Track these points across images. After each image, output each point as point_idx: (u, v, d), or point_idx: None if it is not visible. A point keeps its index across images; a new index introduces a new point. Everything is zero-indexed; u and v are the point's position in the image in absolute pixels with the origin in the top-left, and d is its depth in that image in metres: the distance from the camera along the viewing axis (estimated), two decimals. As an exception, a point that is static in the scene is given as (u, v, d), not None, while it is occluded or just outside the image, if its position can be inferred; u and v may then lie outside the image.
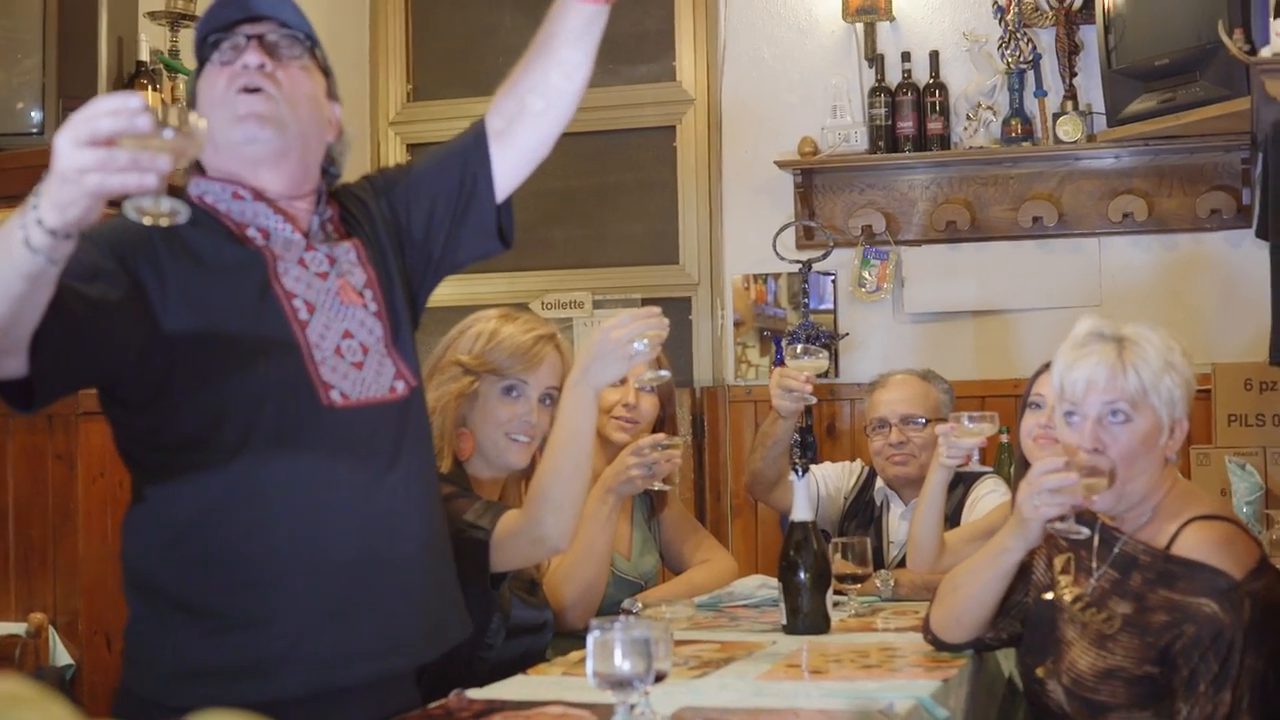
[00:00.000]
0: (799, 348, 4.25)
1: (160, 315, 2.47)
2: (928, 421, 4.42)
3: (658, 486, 3.76)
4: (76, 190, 1.95)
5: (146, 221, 2.01)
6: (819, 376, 4.33)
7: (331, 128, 2.75)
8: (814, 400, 4.26)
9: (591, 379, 3.02)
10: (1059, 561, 3.14)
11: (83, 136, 1.92)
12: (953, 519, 4.33)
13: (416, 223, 2.82)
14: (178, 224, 2.02)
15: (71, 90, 4.57)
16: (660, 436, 3.70)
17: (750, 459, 4.57)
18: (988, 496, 4.28)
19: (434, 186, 2.82)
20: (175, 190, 2.24)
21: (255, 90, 2.60)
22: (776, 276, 6.13)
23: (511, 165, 2.81)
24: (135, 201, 1.99)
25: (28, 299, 2.08)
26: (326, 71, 2.77)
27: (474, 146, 2.81)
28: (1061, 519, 2.95)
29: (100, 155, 1.92)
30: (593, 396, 3.03)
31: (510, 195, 2.84)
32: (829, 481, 4.60)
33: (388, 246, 2.77)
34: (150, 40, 5.18)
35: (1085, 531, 2.98)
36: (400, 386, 2.65)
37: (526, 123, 2.78)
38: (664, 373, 3.35)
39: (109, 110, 1.93)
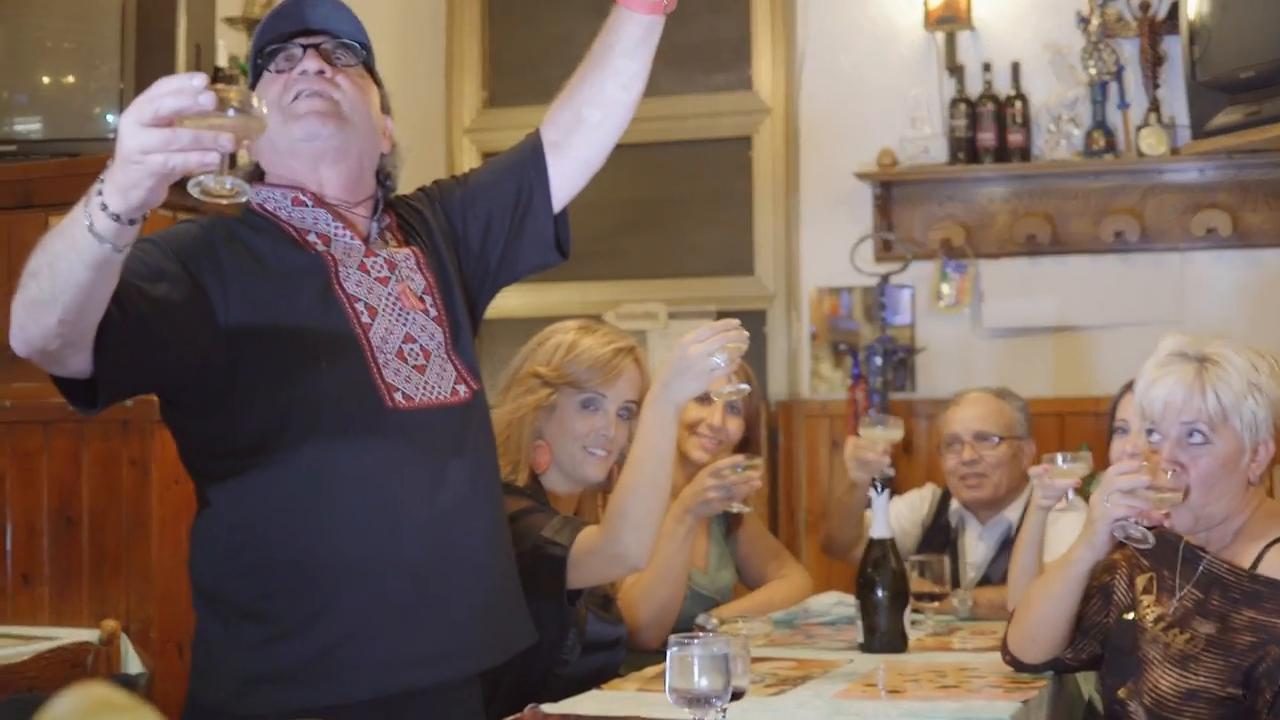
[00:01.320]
0: (872, 416, 4.18)
1: (223, 318, 2.48)
2: (1001, 439, 4.37)
3: (735, 508, 3.73)
4: (140, 171, 1.95)
5: (210, 200, 2.01)
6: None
7: (386, 139, 2.77)
8: (892, 472, 4.19)
9: (671, 395, 2.98)
10: (1141, 581, 3.09)
11: (146, 116, 1.93)
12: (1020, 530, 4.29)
13: (473, 233, 2.83)
14: (239, 201, 2.04)
15: (149, 97, 4.59)
16: (739, 458, 3.67)
17: (826, 523, 4.53)
18: (1068, 514, 4.22)
19: (490, 198, 2.84)
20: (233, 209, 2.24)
21: (315, 94, 2.62)
22: (850, 290, 6.08)
23: (568, 176, 2.82)
24: (199, 180, 1.99)
25: (93, 289, 2.08)
26: (380, 84, 2.79)
27: (530, 158, 2.82)
28: (1131, 525, 2.91)
29: (164, 135, 1.93)
30: (673, 413, 3.00)
31: (567, 206, 2.85)
32: (902, 517, 4.54)
33: (445, 255, 2.78)
34: (227, 46, 5.20)
35: (1151, 539, 2.93)
36: (462, 390, 2.65)
37: (583, 134, 2.79)
38: (744, 386, 3.31)
39: (172, 90, 1.93)
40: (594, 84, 2.74)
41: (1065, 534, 3.81)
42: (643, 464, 3.00)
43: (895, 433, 4.10)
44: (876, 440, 4.12)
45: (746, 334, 3.00)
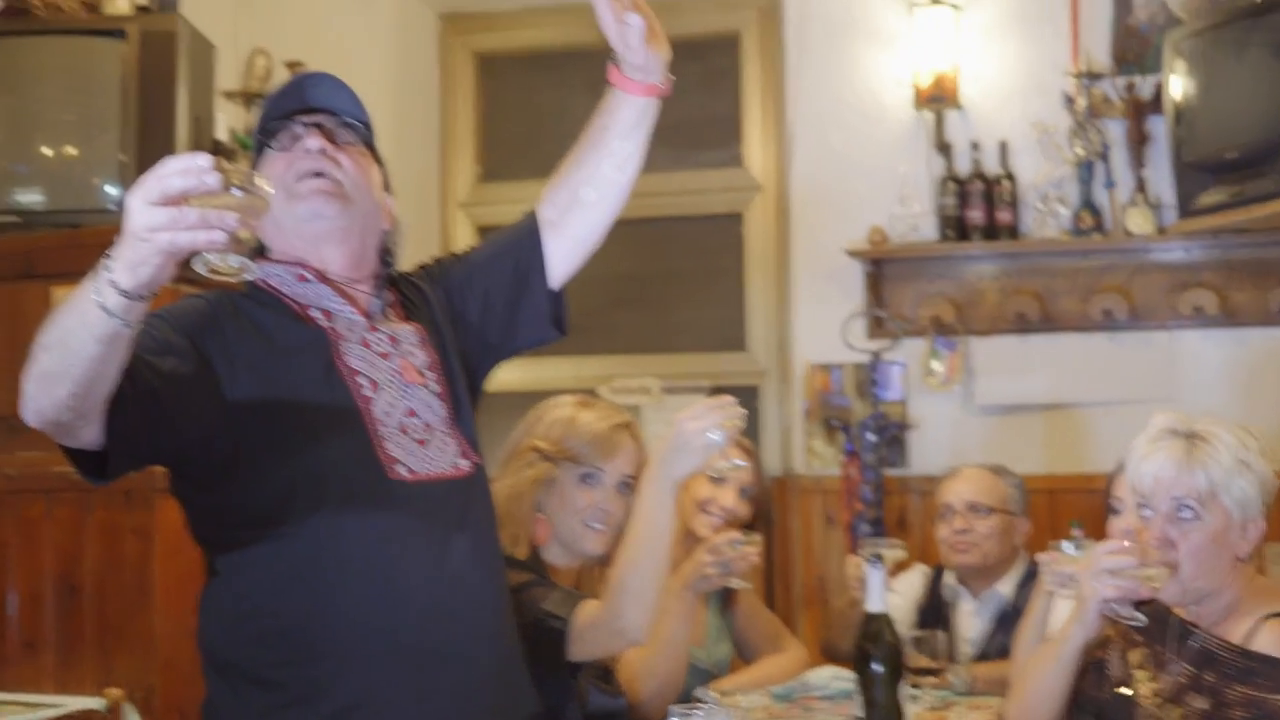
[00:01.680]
0: (871, 540, 4.17)
1: (229, 391, 2.51)
2: (993, 511, 4.41)
3: (734, 584, 3.75)
4: (148, 249, 1.99)
5: (215, 277, 2.05)
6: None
7: (387, 217, 2.82)
8: (899, 592, 4.19)
9: (669, 471, 3.01)
10: (1134, 656, 3.11)
11: (153, 195, 1.97)
12: (1015, 605, 4.31)
13: (472, 309, 2.88)
14: (244, 278, 2.07)
15: (149, 168, 4.59)
16: (736, 534, 3.69)
17: (827, 631, 4.52)
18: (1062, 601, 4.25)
19: (488, 275, 2.89)
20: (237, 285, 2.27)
21: (319, 175, 2.67)
22: (842, 366, 6.11)
23: (565, 254, 2.86)
24: (204, 258, 2.03)
25: (103, 362, 2.11)
26: (381, 163, 2.84)
27: (527, 236, 2.87)
28: (1120, 604, 2.94)
29: (171, 214, 1.97)
30: (671, 488, 3.02)
31: (564, 284, 2.89)
32: (896, 608, 4.52)
33: (446, 331, 2.82)
34: (226, 119, 5.25)
35: (1143, 619, 2.96)
36: (464, 464, 2.69)
37: (579, 213, 2.84)
38: (740, 462, 3.34)
39: (178, 169, 1.98)
40: (590, 164, 2.79)
41: (1067, 613, 3.84)
42: (642, 539, 3.03)
43: (898, 553, 4.10)
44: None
45: (744, 410, 3.04)
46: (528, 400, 3.65)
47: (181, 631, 4.40)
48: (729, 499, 4.10)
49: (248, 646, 2.56)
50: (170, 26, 4.87)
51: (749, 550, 3.64)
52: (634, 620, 3.03)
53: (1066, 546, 3.59)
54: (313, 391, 2.58)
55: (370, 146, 2.81)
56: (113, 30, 4.87)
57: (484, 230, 6.87)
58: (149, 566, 4.46)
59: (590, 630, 3.09)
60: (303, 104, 2.75)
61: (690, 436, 2.98)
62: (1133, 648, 3.12)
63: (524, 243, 2.86)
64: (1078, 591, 3.03)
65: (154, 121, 4.77)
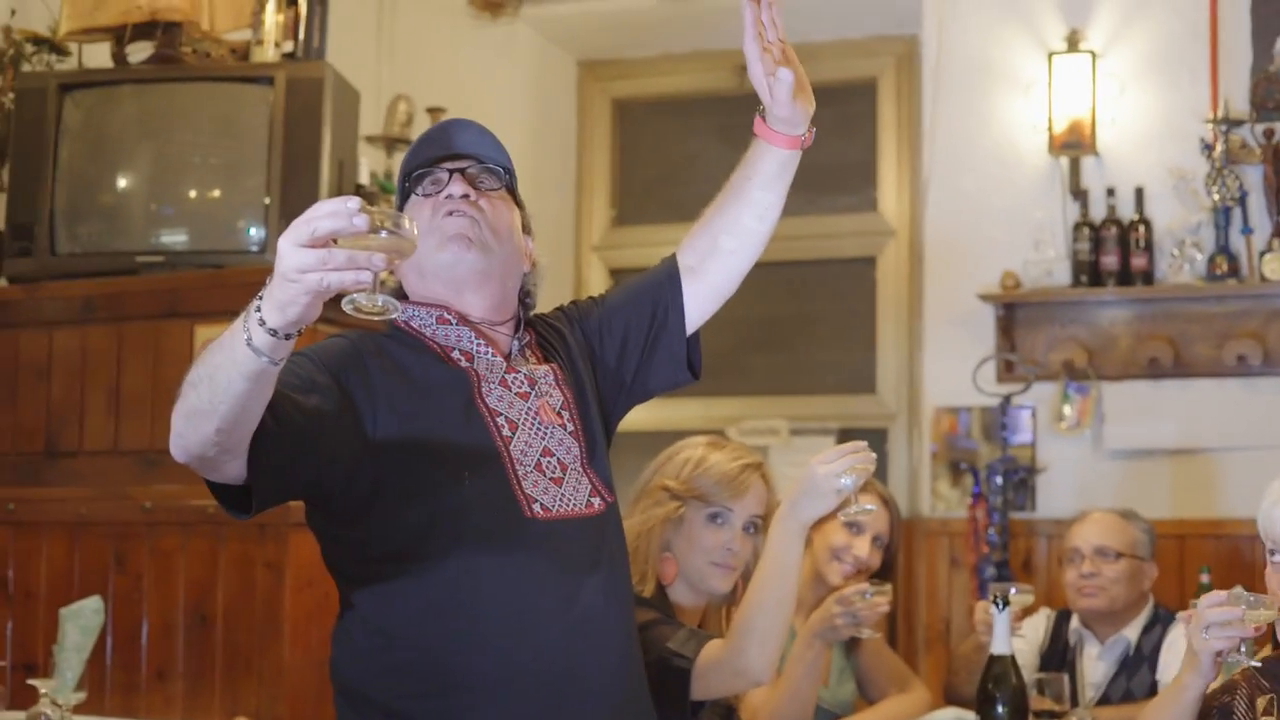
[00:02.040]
0: (999, 586, 4.12)
1: (371, 428, 2.56)
2: (1120, 555, 4.38)
3: (865, 634, 3.75)
4: (297, 289, 2.03)
5: (362, 316, 2.10)
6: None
7: (527, 259, 2.86)
8: (1025, 635, 4.17)
9: (799, 514, 3.05)
10: (1261, 702, 3.08)
11: (303, 237, 2.01)
12: (1150, 659, 4.27)
13: (610, 350, 2.91)
14: (390, 318, 2.11)
15: (292, 211, 4.62)
16: (866, 585, 3.69)
17: (951, 675, 4.48)
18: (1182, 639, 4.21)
19: (627, 316, 2.92)
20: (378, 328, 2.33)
21: (461, 215, 2.72)
22: (970, 409, 6.09)
23: (702, 300, 2.89)
24: (352, 298, 2.08)
25: (249, 399, 2.17)
26: (521, 206, 2.88)
27: (667, 280, 2.90)
28: (1231, 655, 2.92)
29: (320, 255, 2.01)
30: (800, 532, 3.06)
31: (699, 328, 2.92)
32: (1020, 653, 4.49)
33: (583, 371, 2.86)
34: (368, 163, 5.34)
35: (1257, 664, 2.94)
36: (597, 503, 2.72)
37: (718, 260, 2.87)
38: (870, 506, 3.36)
39: (328, 212, 2.02)
40: (731, 214, 2.82)
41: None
42: (769, 581, 3.06)
43: (1026, 599, 4.07)
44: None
45: (874, 455, 3.07)
46: (658, 440, 3.68)
47: (309, 663, 4.47)
48: (863, 548, 4.11)
49: (381, 678, 2.60)
50: (316, 73, 4.96)
51: (879, 600, 3.64)
52: (758, 661, 3.05)
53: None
54: (453, 430, 2.63)
55: (512, 191, 2.86)
56: (260, 77, 4.98)
57: (616, 273, 6.95)
58: (280, 599, 4.52)
59: (714, 669, 3.11)
60: (448, 150, 2.80)
61: (821, 481, 3.02)
62: (1260, 694, 3.09)
63: (664, 285, 2.90)
64: (1188, 643, 3.01)
65: (298, 165, 4.85)
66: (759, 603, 3.06)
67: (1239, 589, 2.97)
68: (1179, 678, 3.07)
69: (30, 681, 3.85)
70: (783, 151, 2.74)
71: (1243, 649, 2.92)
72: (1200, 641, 2.94)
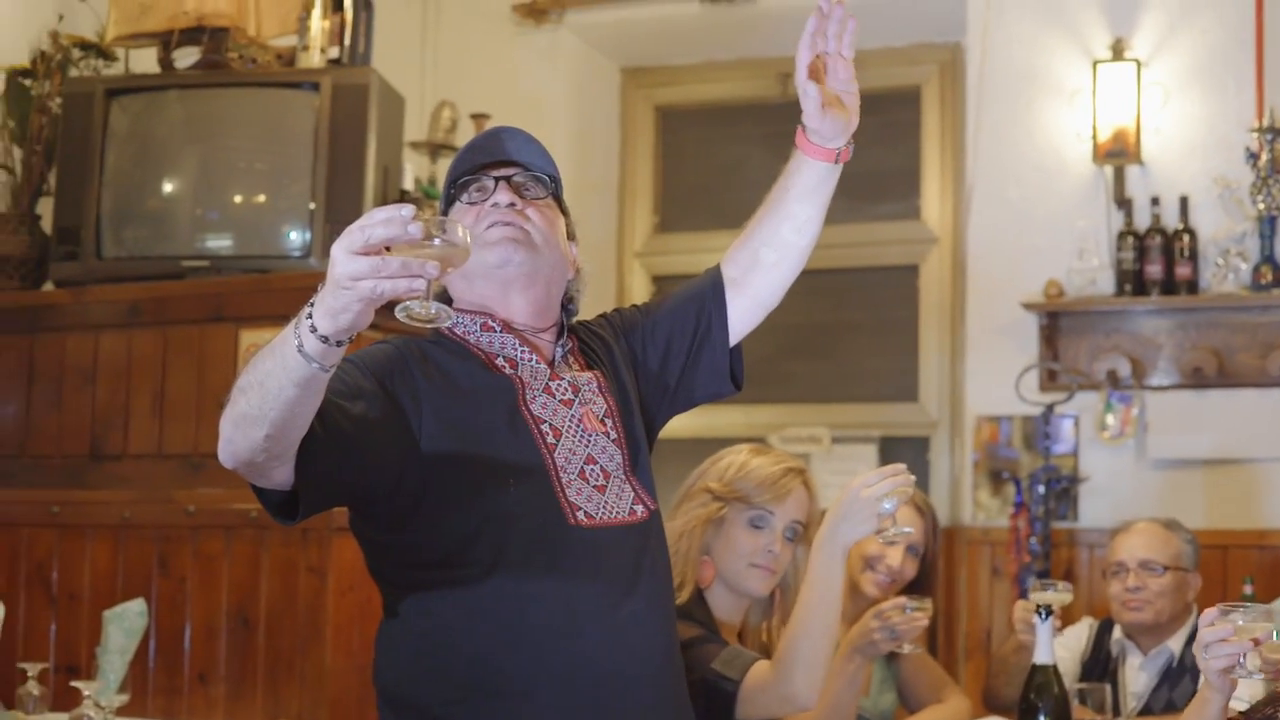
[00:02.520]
0: (1040, 582, 4.10)
1: (417, 435, 2.57)
2: (1166, 569, 4.35)
3: (905, 649, 3.74)
4: (350, 296, 2.05)
5: (414, 324, 2.11)
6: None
7: (571, 266, 2.87)
8: (1069, 597, 4.16)
9: (841, 537, 3.09)
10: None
11: (357, 244, 2.03)
12: (1193, 670, 4.25)
13: (653, 358, 2.91)
14: (443, 324, 2.12)
15: (337, 216, 4.71)
16: (905, 600, 3.68)
17: (990, 679, 4.46)
18: None
19: (671, 325, 2.92)
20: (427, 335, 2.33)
21: (508, 224, 2.72)
22: (1011, 418, 6.08)
23: (744, 312, 2.90)
24: (405, 306, 2.09)
25: (298, 405, 2.19)
26: (566, 213, 2.89)
27: (710, 290, 2.90)
28: (1240, 669, 2.91)
29: (373, 262, 2.02)
30: (841, 555, 3.10)
31: (741, 340, 2.93)
32: (1061, 660, 4.46)
33: (626, 379, 2.86)
34: (413, 169, 5.36)
35: (1260, 676, 2.92)
36: (639, 510, 2.72)
37: (760, 274, 2.87)
38: (908, 529, 3.37)
39: (383, 220, 2.04)
40: (770, 226, 2.83)
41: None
42: (813, 606, 3.08)
43: (1065, 596, 4.05)
44: (1047, 602, 4.00)
45: (913, 477, 3.11)
46: (700, 447, 3.70)
47: (351, 667, 4.48)
48: (896, 559, 4.11)
49: (424, 684, 2.61)
50: (362, 79, 4.98)
51: (918, 616, 3.62)
52: (804, 687, 3.08)
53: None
54: (498, 437, 2.63)
55: (557, 198, 2.86)
56: (306, 83, 5.01)
57: (659, 280, 6.96)
58: (322, 603, 4.53)
59: (760, 694, 3.13)
60: (494, 157, 2.81)
61: (863, 504, 3.06)
62: (1298, 706, 3.09)
63: (707, 296, 2.90)
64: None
65: (343, 171, 4.87)
66: (805, 629, 3.08)
67: (1237, 603, 2.97)
68: (1200, 693, 3.06)
69: (73, 683, 3.88)
70: (820, 164, 2.74)
71: (1243, 661, 2.91)
72: (1203, 662, 2.94)
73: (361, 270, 2.03)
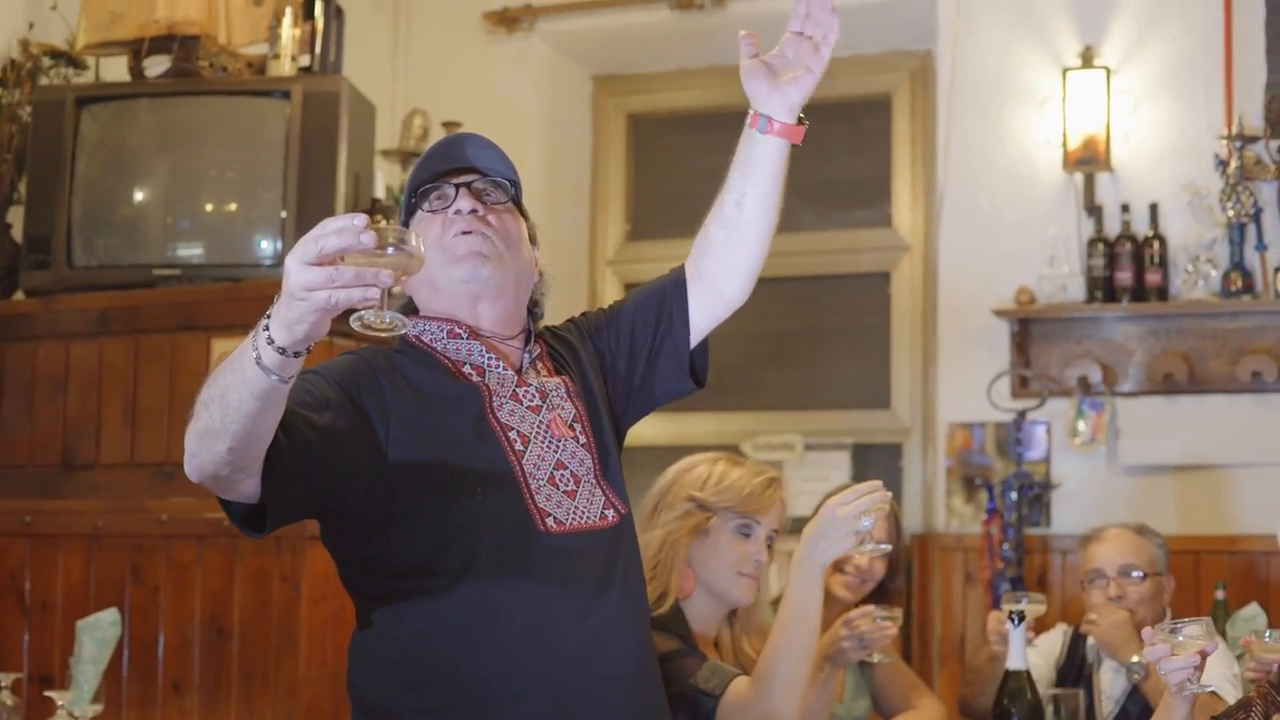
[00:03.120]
0: (1013, 594, 4.09)
1: (384, 445, 2.57)
2: (1146, 575, 4.35)
3: (875, 659, 3.75)
4: (305, 307, 2.05)
5: (370, 334, 2.12)
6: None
7: (534, 270, 2.87)
8: (1044, 609, 4.18)
9: (819, 555, 3.12)
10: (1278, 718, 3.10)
11: (310, 255, 2.03)
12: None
13: (620, 357, 2.91)
14: (397, 334, 2.14)
15: (309, 224, 4.65)
16: (873, 609, 3.70)
17: (965, 688, 4.47)
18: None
19: (633, 322, 2.91)
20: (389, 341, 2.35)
21: (469, 233, 2.72)
22: (983, 425, 6.10)
23: (707, 304, 2.87)
24: (360, 315, 2.10)
25: (260, 417, 2.18)
26: (526, 217, 2.89)
27: (671, 287, 2.89)
28: (1191, 684, 2.95)
29: (327, 273, 2.02)
30: (820, 573, 3.13)
31: (706, 338, 2.91)
32: (1036, 666, 4.45)
33: (594, 382, 2.86)
34: (384, 177, 5.36)
35: (1208, 687, 2.96)
36: (610, 515, 2.72)
37: (712, 256, 2.84)
38: (884, 546, 3.40)
39: (335, 229, 2.03)
40: (717, 204, 2.82)
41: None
42: (793, 625, 3.10)
43: (1039, 608, 4.06)
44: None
45: (889, 494, 3.14)
46: (670, 454, 3.68)
47: (325, 676, 4.48)
48: (864, 560, 4.11)
49: (397, 693, 2.61)
50: (333, 87, 4.97)
51: (887, 625, 3.65)
52: (784, 705, 3.09)
53: (1271, 636, 3.49)
54: (466, 446, 2.64)
55: (517, 202, 2.86)
56: (277, 91, 5.00)
57: (631, 288, 6.87)
58: (296, 612, 4.53)
59: (739, 711, 3.13)
60: (453, 164, 2.80)
61: (841, 522, 3.09)
62: (1275, 710, 3.10)
63: (668, 290, 2.89)
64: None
65: (314, 179, 4.87)
66: (785, 647, 3.10)
67: (1178, 620, 3.00)
68: (1164, 700, 3.08)
69: (47, 693, 3.88)
70: (750, 130, 2.72)
71: (1192, 681, 2.94)
72: (1163, 678, 2.98)
73: (315, 281, 2.02)
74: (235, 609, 4.63)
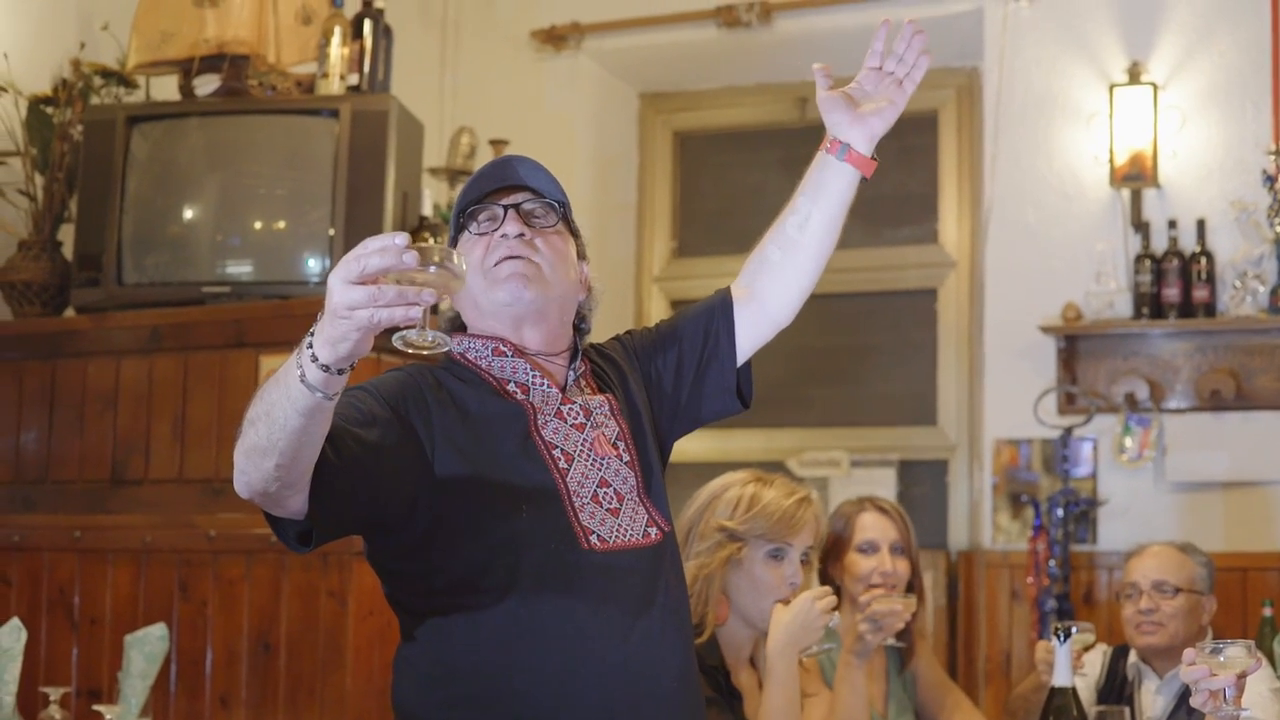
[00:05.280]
0: (1061, 625, 4.08)
1: (430, 462, 2.59)
2: (1179, 591, 4.34)
3: (890, 643, 3.78)
4: (347, 325, 2.07)
5: (411, 352, 2.14)
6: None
7: (582, 286, 2.88)
8: (1087, 674, 4.17)
9: (798, 644, 3.32)
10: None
11: (353, 274, 2.05)
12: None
13: (666, 376, 2.92)
14: (440, 353, 2.16)
15: (356, 242, 4.71)
16: (880, 590, 3.75)
17: (1009, 718, 4.46)
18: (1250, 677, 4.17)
19: (680, 342, 2.93)
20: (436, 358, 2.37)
21: (516, 258, 2.73)
22: (1030, 441, 6.08)
23: (755, 325, 2.90)
24: (402, 334, 2.12)
25: (305, 434, 2.20)
26: (576, 234, 2.89)
27: (719, 307, 2.92)
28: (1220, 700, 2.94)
29: (370, 292, 2.04)
30: (797, 659, 3.31)
31: (750, 358, 2.93)
32: (1078, 682, 4.45)
33: (638, 400, 2.87)
34: (432, 195, 5.38)
35: (1245, 711, 2.94)
36: (654, 533, 2.73)
37: (766, 276, 2.88)
38: (831, 645, 3.47)
39: (377, 249, 2.05)
40: (778, 224, 2.86)
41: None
42: (779, 711, 3.27)
43: (1088, 637, 4.07)
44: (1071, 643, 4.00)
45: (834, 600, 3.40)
46: (718, 471, 3.68)
47: (371, 690, 4.49)
48: (886, 563, 4.10)
49: (441, 709, 2.62)
50: (381, 106, 5.00)
51: (895, 605, 3.70)
52: None
53: None
54: (511, 464, 2.65)
55: (567, 220, 2.86)
56: (325, 109, 5.03)
57: (677, 304, 6.96)
58: (342, 627, 4.54)
59: None
60: (501, 183, 2.81)
61: (818, 615, 3.33)
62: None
63: (715, 311, 2.91)
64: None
65: (363, 197, 4.89)
66: None
67: (1220, 641, 2.99)
68: None
69: (95, 708, 3.90)
70: (824, 155, 2.78)
71: (1228, 695, 2.92)
72: (1194, 701, 2.97)
73: (358, 300, 2.04)
74: (282, 624, 4.64)
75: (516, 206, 2.78)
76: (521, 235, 2.75)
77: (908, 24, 2.83)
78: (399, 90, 5.25)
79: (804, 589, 3.49)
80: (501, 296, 2.73)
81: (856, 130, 2.77)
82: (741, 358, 2.91)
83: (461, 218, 2.82)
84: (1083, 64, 6.16)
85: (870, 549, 4.11)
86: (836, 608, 3.40)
